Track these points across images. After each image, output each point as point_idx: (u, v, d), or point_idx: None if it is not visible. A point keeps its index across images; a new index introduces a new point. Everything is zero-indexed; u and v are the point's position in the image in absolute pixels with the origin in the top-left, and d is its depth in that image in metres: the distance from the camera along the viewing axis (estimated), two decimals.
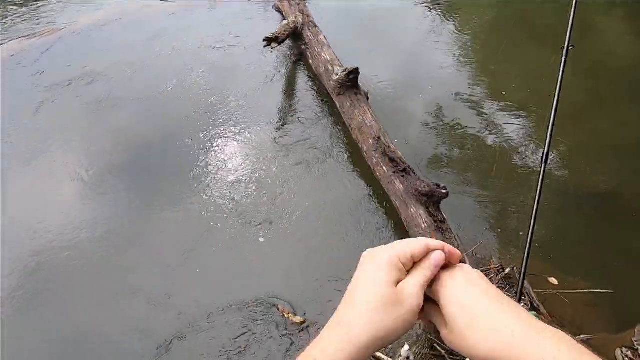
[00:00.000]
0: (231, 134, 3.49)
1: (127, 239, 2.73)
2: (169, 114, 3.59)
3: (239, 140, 3.43)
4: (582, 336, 2.01)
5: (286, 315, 2.30)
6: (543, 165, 1.56)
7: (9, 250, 2.65)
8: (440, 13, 4.92)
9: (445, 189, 2.47)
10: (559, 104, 1.56)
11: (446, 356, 2.05)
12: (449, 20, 4.81)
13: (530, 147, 3.44)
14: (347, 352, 0.47)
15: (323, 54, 3.57)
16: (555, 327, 0.48)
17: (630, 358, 1.85)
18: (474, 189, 3.06)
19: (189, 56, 4.12)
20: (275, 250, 2.65)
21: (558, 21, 4.27)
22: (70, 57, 4.12)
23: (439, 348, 2.09)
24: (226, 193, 3.02)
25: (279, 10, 4.53)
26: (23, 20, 4.67)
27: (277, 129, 3.54)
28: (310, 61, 3.73)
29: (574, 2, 1.80)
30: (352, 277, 0.55)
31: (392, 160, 2.75)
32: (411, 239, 0.55)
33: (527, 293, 2.20)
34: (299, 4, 4.16)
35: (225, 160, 3.28)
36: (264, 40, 3.58)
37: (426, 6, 5.02)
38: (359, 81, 3.25)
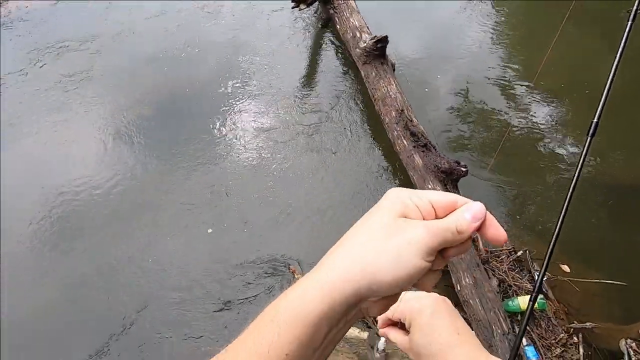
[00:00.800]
0: (251, 94, 3.47)
1: (151, 187, 2.79)
2: (198, 71, 3.59)
3: (258, 101, 3.41)
4: (587, 324, 2.01)
5: (296, 275, 2.35)
6: (589, 138, 1.42)
7: (38, 191, 2.75)
8: None
9: (465, 167, 2.43)
10: (612, 82, 1.45)
11: None
12: None
13: (557, 134, 3.33)
14: (322, 293, 0.37)
15: (352, 20, 3.46)
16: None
17: (634, 349, 1.85)
18: (492, 171, 3.00)
19: (220, 16, 4.05)
20: (288, 216, 2.68)
21: (608, 5, 4.06)
22: (109, 14, 4.08)
23: None
24: (245, 153, 3.04)
25: None
26: None
27: (298, 94, 3.51)
28: (338, 26, 3.61)
29: None
30: None
31: (413, 134, 2.70)
32: (440, 192, 0.44)
33: (536, 277, 2.19)
34: None
35: (245, 119, 3.28)
36: (292, 1, 3.48)
37: None
38: (386, 51, 3.16)
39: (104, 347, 2.10)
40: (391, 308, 0.50)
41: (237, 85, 3.53)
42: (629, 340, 1.95)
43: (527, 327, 2.00)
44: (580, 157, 1.30)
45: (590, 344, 1.96)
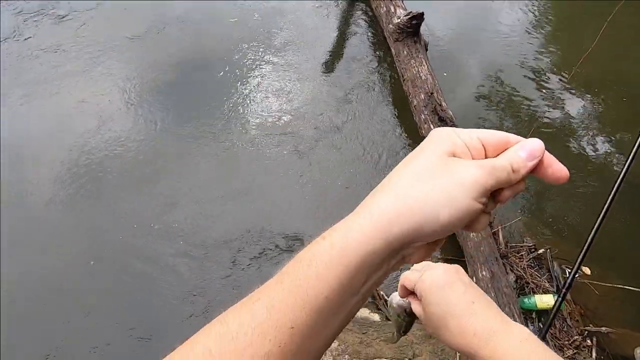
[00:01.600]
0: (278, 64, 3.38)
1: (169, 153, 2.78)
2: (222, 39, 3.49)
3: (285, 72, 3.33)
4: (603, 328, 1.98)
5: None
6: None
7: (57, 150, 2.76)
8: None
9: None
10: None
11: None
12: None
13: (587, 131, 3.20)
14: (376, 229, 0.35)
15: None
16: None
17: None
18: None
19: None
20: (306, 193, 2.65)
21: None
22: None
23: None
24: (266, 125, 2.99)
25: None
26: None
27: (324, 67, 3.40)
28: None
29: None
30: None
31: (441, 119, 2.61)
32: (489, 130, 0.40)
33: (555, 276, 2.16)
34: None
35: (268, 90, 3.21)
36: None
37: None
38: (420, 29, 3.02)
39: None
40: (406, 275, 0.57)
41: (261, 54, 3.44)
42: None
43: (542, 326, 1.98)
44: (629, 155, 1.21)
45: (604, 348, 1.93)
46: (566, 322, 1.96)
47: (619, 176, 1.30)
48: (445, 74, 3.41)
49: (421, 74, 2.85)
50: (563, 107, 3.34)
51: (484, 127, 2.98)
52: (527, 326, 1.98)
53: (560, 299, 1.50)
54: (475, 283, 2.11)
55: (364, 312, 2.23)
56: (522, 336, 0.51)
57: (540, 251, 2.22)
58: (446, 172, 0.35)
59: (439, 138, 0.38)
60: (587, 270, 2.22)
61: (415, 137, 2.85)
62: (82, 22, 3.51)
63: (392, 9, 3.15)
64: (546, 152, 0.38)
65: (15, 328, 2.05)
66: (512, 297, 2.02)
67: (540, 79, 3.51)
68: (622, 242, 2.37)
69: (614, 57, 3.61)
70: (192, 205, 2.54)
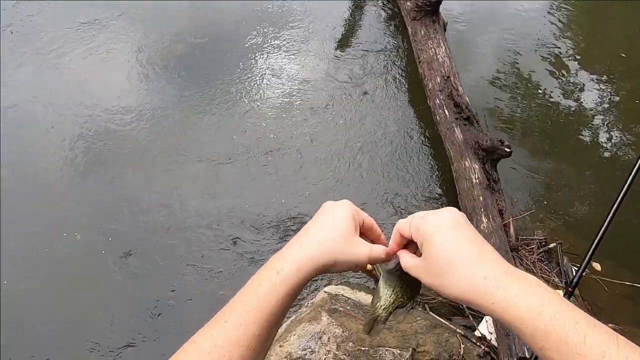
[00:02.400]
0: (291, 41, 3.26)
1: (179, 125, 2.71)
2: (231, 16, 3.35)
3: (297, 49, 3.21)
4: (610, 325, 1.96)
5: None
6: None
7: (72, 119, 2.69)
8: None
9: (509, 148, 2.27)
10: None
11: None
12: None
13: (604, 121, 3.11)
14: (306, 267, 0.54)
15: None
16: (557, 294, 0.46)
17: None
18: (530, 154, 2.84)
19: None
20: (311, 174, 2.59)
21: None
22: None
23: None
24: (275, 105, 2.89)
25: None
26: None
27: (337, 45, 3.28)
28: None
29: None
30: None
31: (457, 105, 2.52)
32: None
33: (564, 271, 2.13)
34: None
35: (278, 69, 3.10)
36: None
37: None
38: (440, 8, 2.88)
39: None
40: (403, 223, 0.58)
41: (273, 31, 3.31)
42: None
43: None
44: None
45: None
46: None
47: (631, 171, 1.23)
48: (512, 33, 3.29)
49: (438, 56, 2.73)
50: (579, 95, 3.23)
51: (495, 112, 2.88)
52: None
53: (566, 296, 1.47)
54: None
55: (369, 299, 2.22)
56: (534, 282, 0.47)
57: (551, 245, 2.18)
58: (356, 243, 0.58)
59: (349, 214, 0.59)
60: (597, 267, 2.19)
61: (428, 122, 2.76)
62: None
63: None
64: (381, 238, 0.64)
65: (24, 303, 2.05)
66: None
67: (558, 64, 3.38)
68: (636, 239, 2.32)
69: (633, 47, 3.47)
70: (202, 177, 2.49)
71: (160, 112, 2.78)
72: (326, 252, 0.55)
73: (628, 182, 1.43)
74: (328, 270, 0.56)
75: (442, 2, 2.82)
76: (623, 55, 3.52)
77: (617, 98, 3.25)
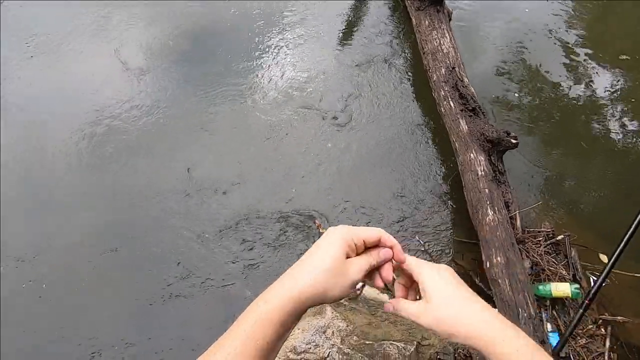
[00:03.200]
0: (295, 33, 3.23)
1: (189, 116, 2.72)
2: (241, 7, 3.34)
3: (301, 41, 3.19)
4: (618, 317, 1.94)
5: (321, 230, 2.31)
6: None
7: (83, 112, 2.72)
8: None
9: (516, 139, 2.24)
10: None
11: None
12: None
13: (613, 111, 3.04)
14: (295, 301, 0.56)
15: None
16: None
17: None
18: (538, 145, 2.79)
19: None
20: (316, 168, 2.58)
21: None
22: None
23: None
24: (279, 95, 2.88)
25: None
26: None
27: (340, 36, 3.25)
28: None
29: None
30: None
31: (462, 96, 2.48)
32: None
33: (572, 264, 2.10)
34: None
35: (281, 61, 3.08)
36: None
37: None
38: None
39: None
40: (409, 261, 0.65)
41: (276, 20, 3.29)
42: None
43: (555, 314, 1.95)
44: None
45: (618, 338, 1.90)
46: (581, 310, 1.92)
47: None
48: (527, 10, 3.23)
49: (443, 47, 2.69)
50: (588, 85, 3.17)
51: (501, 101, 2.83)
52: (541, 314, 1.95)
53: (581, 310, 1.45)
54: (489, 268, 2.05)
55: (373, 293, 2.22)
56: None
57: (559, 237, 2.15)
58: (342, 274, 0.59)
59: (340, 241, 0.60)
60: (604, 258, 2.16)
61: (433, 114, 2.73)
62: None
63: None
64: (395, 248, 0.66)
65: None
66: (527, 284, 1.97)
67: (567, 54, 3.31)
68: None
69: None
70: (213, 168, 2.50)
71: (165, 105, 2.79)
72: (312, 289, 0.57)
73: None
74: (322, 302, 0.59)
75: None
76: (633, 44, 3.43)
77: (628, 87, 3.17)
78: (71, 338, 1.99)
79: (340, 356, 1.72)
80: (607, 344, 1.85)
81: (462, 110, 2.44)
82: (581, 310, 1.28)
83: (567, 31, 3.46)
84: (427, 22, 2.80)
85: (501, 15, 3.53)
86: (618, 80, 3.22)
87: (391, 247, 0.64)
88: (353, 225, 0.64)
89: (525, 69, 3.21)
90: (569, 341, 1.83)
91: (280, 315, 0.55)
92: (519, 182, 2.55)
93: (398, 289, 0.67)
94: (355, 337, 1.82)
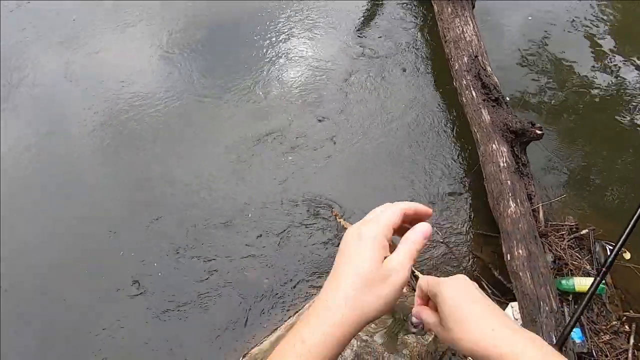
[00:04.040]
0: (309, 23, 3.19)
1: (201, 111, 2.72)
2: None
3: (318, 27, 3.15)
4: None
5: (338, 219, 2.30)
6: None
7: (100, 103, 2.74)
8: None
9: (541, 130, 2.18)
10: None
11: None
12: None
13: None
14: (335, 336, 0.49)
15: None
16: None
17: None
18: (562, 138, 2.72)
19: None
20: (338, 158, 2.56)
21: None
22: None
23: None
24: (295, 89, 2.86)
25: None
26: None
27: (358, 24, 3.20)
28: None
29: None
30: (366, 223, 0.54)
31: (485, 86, 2.42)
32: (387, 207, 0.55)
33: (597, 259, 2.05)
34: None
35: (298, 51, 3.05)
36: None
37: None
38: None
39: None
40: (420, 284, 0.61)
41: (297, 11, 3.25)
42: None
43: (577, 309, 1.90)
44: None
45: None
46: (605, 306, 1.87)
47: None
48: (530, 18, 3.14)
49: (466, 35, 2.62)
50: (616, 76, 3.06)
51: (524, 92, 2.76)
52: (562, 308, 1.91)
53: (599, 277, 1.41)
54: (510, 261, 2.01)
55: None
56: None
57: (583, 231, 2.10)
58: (384, 281, 0.50)
59: (373, 243, 0.52)
60: (627, 255, 2.10)
61: (454, 103, 2.68)
62: None
63: None
64: (418, 209, 0.57)
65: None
66: (549, 278, 1.93)
67: (594, 43, 3.20)
68: None
69: None
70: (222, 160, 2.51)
71: (183, 94, 2.80)
72: (354, 316, 0.49)
73: None
74: (371, 322, 0.51)
75: None
76: None
77: None
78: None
79: (359, 342, 1.72)
80: (632, 341, 1.80)
81: (484, 100, 2.39)
82: (598, 278, 1.25)
83: (594, 22, 3.35)
84: (449, 9, 2.73)
85: (526, 4, 3.43)
86: None
87: (425, 216, 0.56)
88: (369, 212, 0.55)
89: (549, 60, 3.12)
90: (592, 337, 1.80)
91: (322, 354, 0.48)
92: (542, 174, 2.49)
93: (417, 298, 0.63)
94: (373, 325, 1.81)
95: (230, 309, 2.05)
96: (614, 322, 1.82)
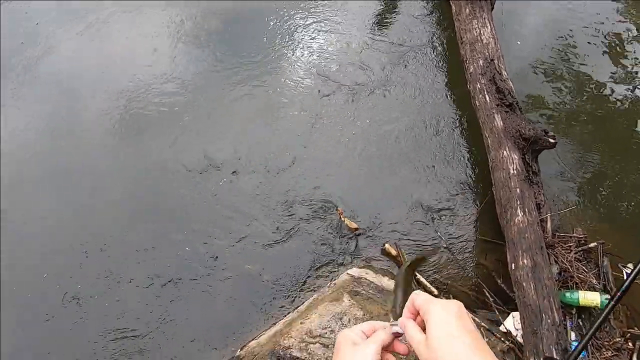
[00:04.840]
0: (328, 18, 3.17)
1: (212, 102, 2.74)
2: None
3: (334, 26, 3.12)
4: None
5: (342, 218, 2.29)
6: None
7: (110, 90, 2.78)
8: None
9: (554, 139, 2.13)
10: None
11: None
12: None
13: None
14: None
15: None
16: None
17: None
18: (576, 146, 2.65)
19: None
20: (345, 159, 2.55)
21: None
22: None
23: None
24: (307, 81, 2.85)
25: None
26: None
27: (376, 21, 3.16)
28: None
29: None
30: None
31: (499, 90, 2.37)
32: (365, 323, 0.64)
33: (604, 273, 2.01)
34: None
35: (317, 44, 3.03)
36: None
37: None
38: None
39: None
40: (417, 294, 0.61)
41: (308, 7, 3.23)
42: None
43: (581, 323, 1.88)
44: None
45: None
46: (609, 322, 1.84)
47: None
48: (518, 43, 3.09)
49: (483, 37, 2.57)
50: (636, 84, 2.97)
51: (539, 99, 2.70)
52: (565, 321, 1.88)
53: (613, 302, 1.38)
54: (514, 270, 1.99)
55: (391, 284, 2.20)
56: None
57: (592, 244, 2.05)
58: None
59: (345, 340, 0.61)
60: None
61: (467, 106, 2.63)
62: None
63: None
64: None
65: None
66: (553, 290, 1.90)
67: (615, 50, 3.11)
68: None
69: None
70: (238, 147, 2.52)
71: (196, 83, 2.81)
72: None
73: None
74: None
75: None
76: None
77: None
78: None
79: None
80: (635, 358, 1.77)
81: (498, 105, 2.34)
82: (612, 302, 1.22)
83: (616, 27, 3.25)
84: (467, 10, 2.68)
85: (548, 5, 3.34)
86: None
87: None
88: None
89: (569, 64, 3.04)
90: (593, 353, 1.77)
91: None
92: (553, 183, 2.44)
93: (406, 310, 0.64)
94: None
95: (230, 302, 2.07)
96: (617, 339, 1.79)
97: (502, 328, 1.94)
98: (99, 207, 2.33)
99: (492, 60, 2.47)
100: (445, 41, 3.05)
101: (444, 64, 2.95)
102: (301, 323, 1.87)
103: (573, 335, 1.83)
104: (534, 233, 2.00)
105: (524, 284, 1.91)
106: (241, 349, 1.94)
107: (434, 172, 2.50)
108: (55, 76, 2.87)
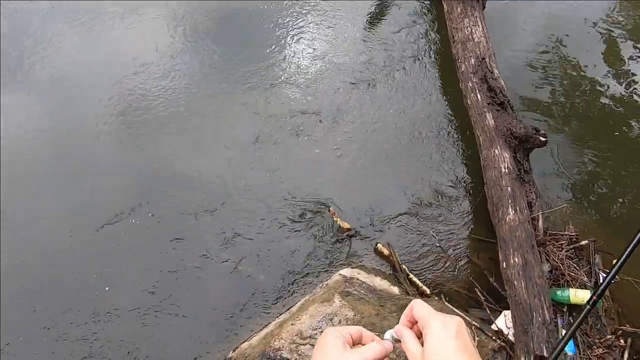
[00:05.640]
0: (322, 15, 3.17)
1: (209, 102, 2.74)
2: None
3: (326, 23, 3.12)
4: None
5: (335, 218, 2.29)
6: None
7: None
8: None
9: (545, 137, 2.13)
10: None
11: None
12: None
13: None
14: None
15: None
16: None
17: None
18: (569, 145, 2.65)
19: None
20: (338, 156, 2.55)
21: None
22: None
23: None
24: (300, 82, 2.85)
25: None
26: None
27: (367, 19, 3.16)
28: None
29: None
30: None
31: (491, 89, 2.37)
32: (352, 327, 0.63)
33: (595, 271, 2.01)
34: None
35: (310, 42, 3.03)
36: None
37: None
38: None
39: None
40: (418, 303, 0.60)
41: (304, 5, 3.23)
42: None
43: (572, 321, 1.87)
44: None
45: (638, 351, 1.82)
46: (600, 319, 1.84)
47: None
48: (511, 42, 3.08)
49: (474, 36, 2.57)
50: (630, 84, 2.97)
51: (532, 98, 2.69)
52: (556, 319, 1.88)
53: (589, 306, 1.37)
54: (506, 269, 1.98)
55: (384, 284, 2.19)
56: None
57: (583, 242, 2.05)
58: None
59: (334, 346, 0.58)
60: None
61: (458, 106, 2.63)
62: None
63: None
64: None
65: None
66: (544, 288, 1.90)
67: (609, 48, 3.11)
68: None
69: None
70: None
71: (193, 80, 2.81)
72: None
73: None
74: None
75: None
76: None
77: None
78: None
79: None
80: (626, 356, 1.77)
81: (489, 104, 2.34)
82: (588, 306, 1.22)
83: (609, 25, 3.25)
84: (459, 8, 2.68)
85: (540, 4, 3.34)
86: None
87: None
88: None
89: (560, 64, 3.04)
90: (584, 350, 1.76)
91: None
92: (545, 181, 2.44)
93: (404, 317, 0.63)
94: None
95: (222, 303, 2.07)
96: (609, 336, 1.79)
97: (493, 326, 1.94)
98: (99, 207, 2.33)
99: (483, 59, 2.47)
100: (438, 40, 3.05)
101: (436, 63, 2.95)
102: (292, 324, 1.87)
103: (564, 333, 1.83)
104: (525, 231, 2.00)
105: (515, 283, 1.91)
106: (233, 351, 1.94)
107: (426, 171, 2.50)
108: (55, 76, 2.85)
